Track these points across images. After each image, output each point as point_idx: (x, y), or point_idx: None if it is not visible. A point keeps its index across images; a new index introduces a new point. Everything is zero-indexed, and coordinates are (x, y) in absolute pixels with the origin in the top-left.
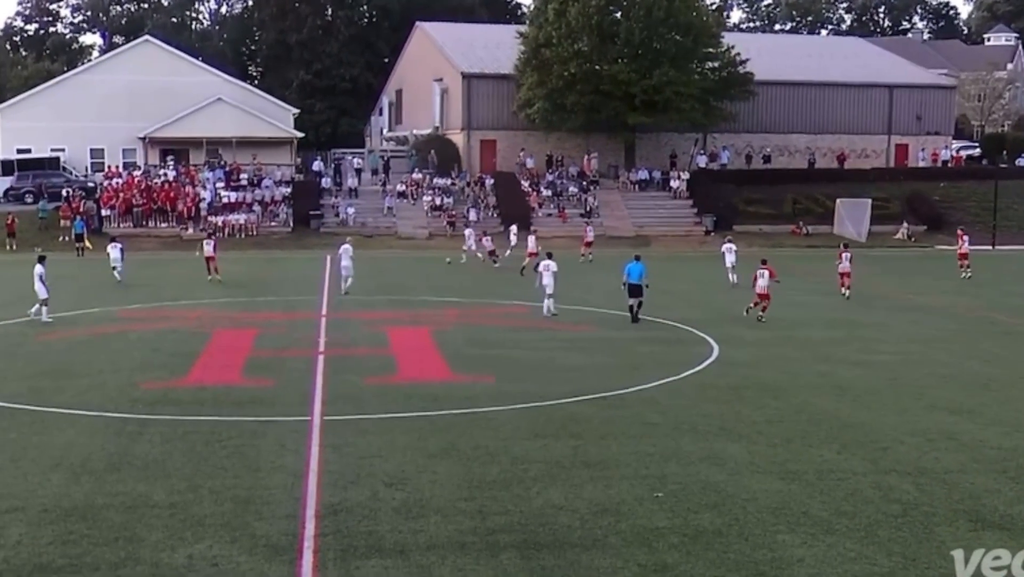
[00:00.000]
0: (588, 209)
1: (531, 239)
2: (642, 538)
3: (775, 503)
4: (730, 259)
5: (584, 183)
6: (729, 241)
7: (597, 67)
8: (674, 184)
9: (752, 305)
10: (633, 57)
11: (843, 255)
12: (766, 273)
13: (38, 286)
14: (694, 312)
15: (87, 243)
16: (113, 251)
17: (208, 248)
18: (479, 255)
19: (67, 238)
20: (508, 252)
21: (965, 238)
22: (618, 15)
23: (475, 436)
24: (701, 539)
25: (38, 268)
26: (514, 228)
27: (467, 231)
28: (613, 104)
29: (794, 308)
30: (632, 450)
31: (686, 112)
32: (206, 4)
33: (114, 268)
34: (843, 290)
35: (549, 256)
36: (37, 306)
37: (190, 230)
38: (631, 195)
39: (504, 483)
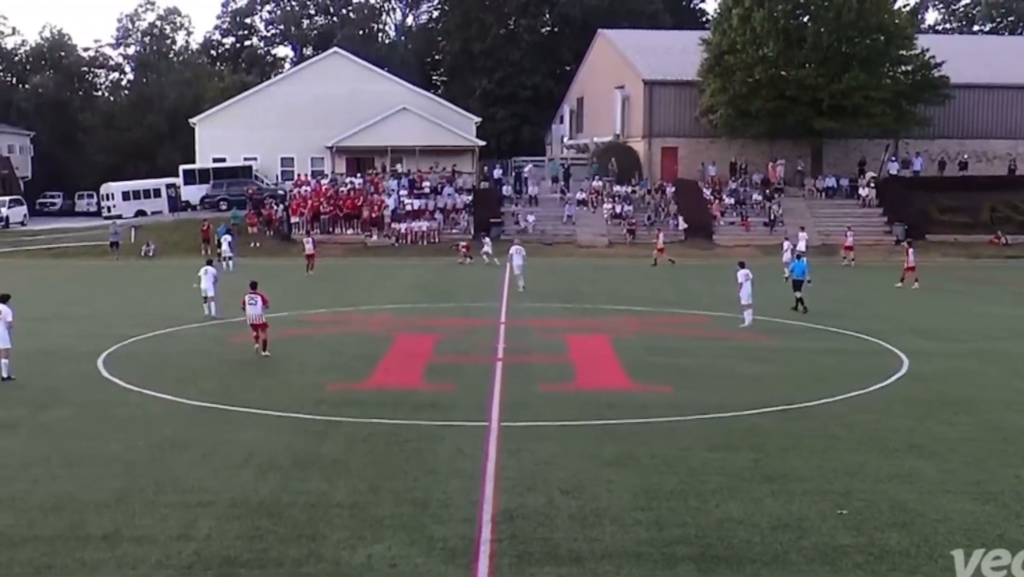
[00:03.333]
0: (772, 218)
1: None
2: (824, 556)
3: (968, 525)
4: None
5: (768, 191)
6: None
7: (783, 72)
8: (863, 192)
9: None
10: (821, 61)
11: (908, 251)
12: None
13: (208, 284)
14: (882, 323)
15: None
16: (224, 243)
17: (308, 246)
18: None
19: (257, 244)
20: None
21: None
22: (805, 19)
23: (652, 445)
24: (887, 559)
25: (211, 270)
26: (487, 239)
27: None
28: (799, 109)
29: (984, 320)
30: (815, 465)
31: (876, 117)
32: (392, 16)
33: (227, 259)
34: (899, 283)
35: (742, 265)
36: (214, 305)
37: (374, 237)
38: (817, 203)
39: (681, 494)
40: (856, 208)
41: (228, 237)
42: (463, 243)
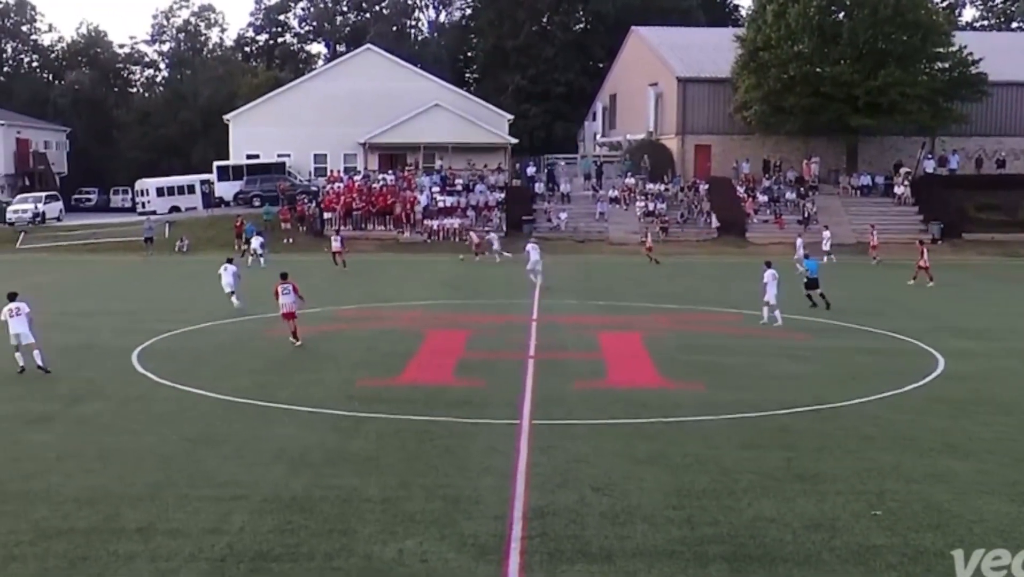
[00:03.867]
0: (806, 215)
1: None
2: (858, 556)
3: (1004, 526)
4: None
5: (802, 189)
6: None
7: (818, 69)
8: (898, 190)
9: None
10: (856, 58)
11: (923, 250)
12: None
13: (229, 280)
14: (917, 323)
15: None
16: (254, 242)
17: (336, 243)
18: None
19: (291, 240)
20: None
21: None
22: (841, 15)
23: (684, 444)
24: (922, 560)
25: (231, 267)
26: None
27: (492, 235)
28: (834, 106)
29: (1022, 319)
30: (849, 464)
31: (913, 114)
32: (425, 13)
33: (259, 254)
34: (911, 281)
35: (768, 265)
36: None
37: (406, 233)
38: (852, 201)
39: (714, 493)
40: (892, 206)
41: (260, 238)
42: (476, 239)
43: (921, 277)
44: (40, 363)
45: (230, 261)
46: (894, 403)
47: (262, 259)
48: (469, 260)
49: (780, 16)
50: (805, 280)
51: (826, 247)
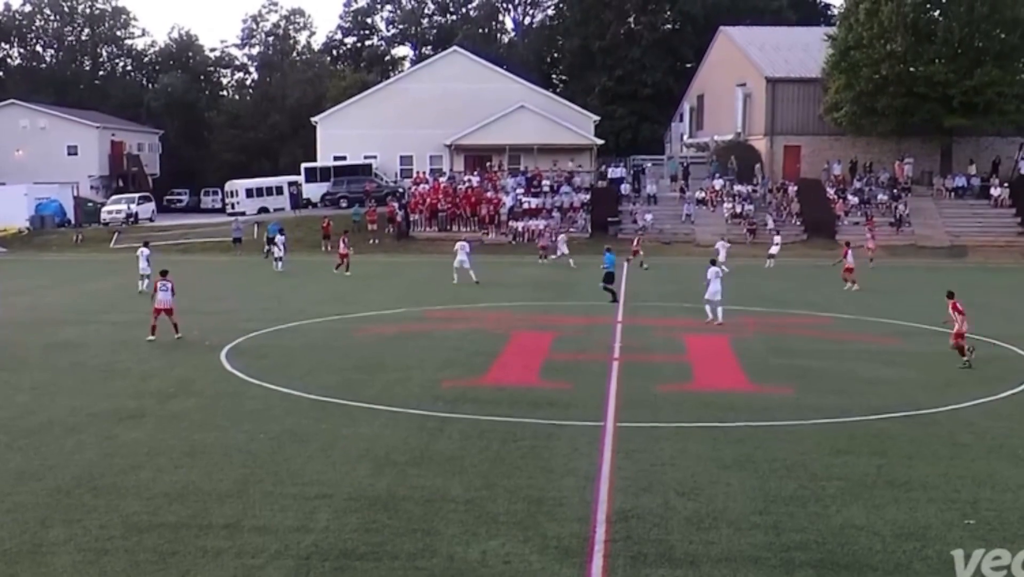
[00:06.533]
0: (898, 217)
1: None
2: (950, 566)
3: None
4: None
5: (895, 190)
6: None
7: (911, 68)
8: (995, 192)
9: None
10: (952, 56)
11: (847, 253)
12: None
13: (143, 265)
14: (1013, 328)
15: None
16: (276, 248)
17: (342, 246)
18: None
19: (376, 241)
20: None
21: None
22: (936, 13)
23: (772, 449)
24: None
25: (145, 251)
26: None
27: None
28: (928, 106)
29: None
30: (941, 472)
31: (1010, 114)
32: (515, 12)
33: (277, 257)
34: (848, 285)
35: (713, 263)
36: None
37: (491, 235)
38: (946, 203)
39: (801, 499)
40: (987, 208)
41: (282, 237)
42: (541, 243)
43: (853, 280)
44: None
45: (146, 244)
46: (989, 410)
47: (279, 263)
48: (544, 262)
49: (873, 14)
50: (604, 274)
51: (722, 257)
